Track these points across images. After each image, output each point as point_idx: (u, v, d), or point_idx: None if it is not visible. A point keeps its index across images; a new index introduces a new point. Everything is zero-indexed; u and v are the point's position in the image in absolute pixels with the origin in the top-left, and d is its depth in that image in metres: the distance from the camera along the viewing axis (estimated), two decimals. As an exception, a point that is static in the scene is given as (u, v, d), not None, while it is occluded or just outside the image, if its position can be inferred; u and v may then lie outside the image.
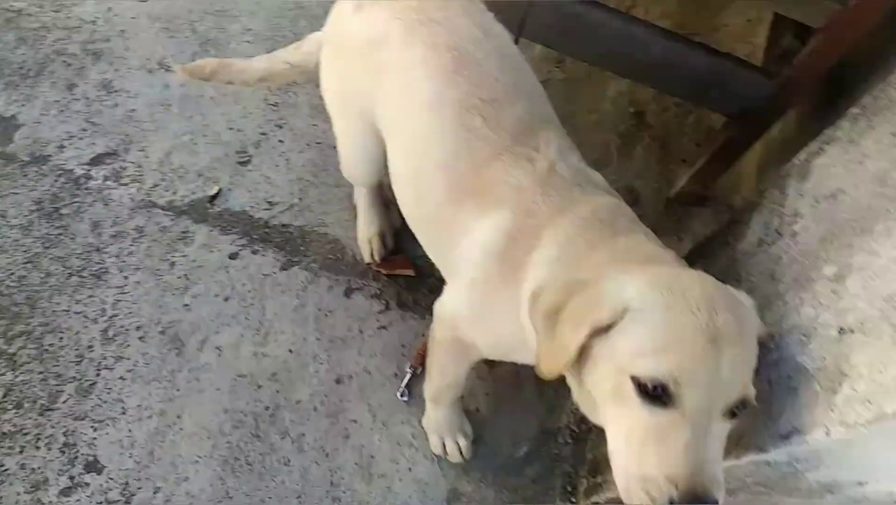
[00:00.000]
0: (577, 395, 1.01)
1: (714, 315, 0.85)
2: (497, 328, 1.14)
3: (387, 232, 1.66)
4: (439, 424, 1.47)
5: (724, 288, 0.92)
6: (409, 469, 1.49)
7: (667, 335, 0.85)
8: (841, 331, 0.87)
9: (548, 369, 0.93)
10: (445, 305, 1.22)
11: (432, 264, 1.32)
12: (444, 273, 1.27)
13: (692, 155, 1.84)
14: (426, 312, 1.58)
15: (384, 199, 1.63)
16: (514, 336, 1.07)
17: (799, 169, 1.09)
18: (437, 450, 1.49)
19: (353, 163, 1.47)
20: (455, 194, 1.12)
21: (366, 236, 1.65)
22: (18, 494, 1.36)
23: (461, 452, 1.49)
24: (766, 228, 1.13)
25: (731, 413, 0.85)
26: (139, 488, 1.39)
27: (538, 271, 1.03)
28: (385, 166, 1.35)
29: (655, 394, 0.84)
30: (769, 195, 1.15)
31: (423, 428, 1.51)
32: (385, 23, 1.18)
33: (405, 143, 1.22)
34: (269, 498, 1.42)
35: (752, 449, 0.96)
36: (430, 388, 1.42)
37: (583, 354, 0.90)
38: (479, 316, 1.17)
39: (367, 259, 1.65)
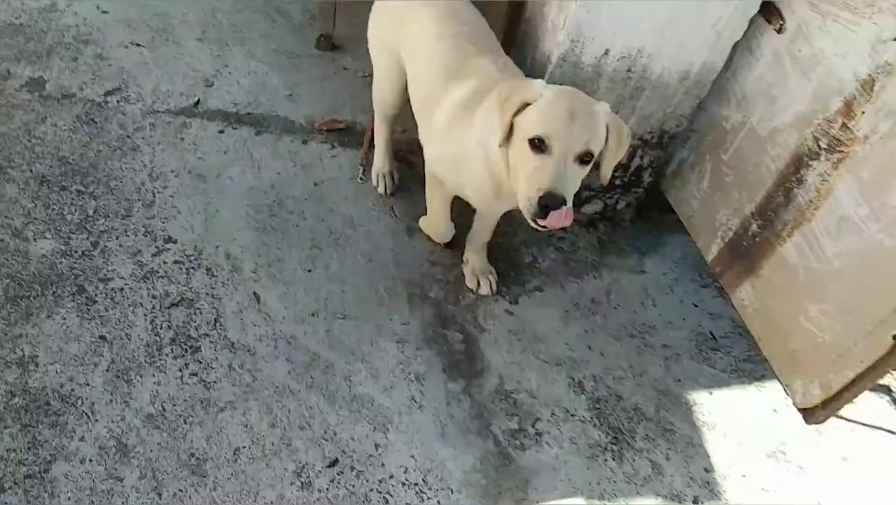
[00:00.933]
0: (505, 174, 1.69)
1: (575, 104, 1.57)
2: (458, 160, 1.82)
3: (394, 171, 2.34)
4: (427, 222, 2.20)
5: (586, 96, 1.64)
6: (378, 220, 2.28)
7: (548, 113, 1.55)
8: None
9: (500, 137, 1.62)
10: (428, 151, 1.94)
11: (362, 124, 2.22)
12: (427, 137, 1.95)
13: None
14: (358, 146, 2.44)
15: (395, 146, 2.37)
16: (468, 162, 1.77)
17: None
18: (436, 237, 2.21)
19: (385, 90, 2.16)
20: (447, 79, 1.84)
21: (381, 171, 2.31)
22: (124, 260, 1.97)
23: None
24: None
25: (582, 160, 1.56)
26: (205, 248, 2.06)
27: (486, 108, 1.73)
28: (404, 100, 2.10)
29: (538, 145, 1.54)
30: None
31: (378, 194, 2.32)
32: None
33: (421, 59, 1.94)
34: (289, 244, 2.13)
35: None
36: (426, 219, 2.19)
37: (510, 136, 1.60)
38: (446, 150, 1.85)
39: (380, 191, 2.31)
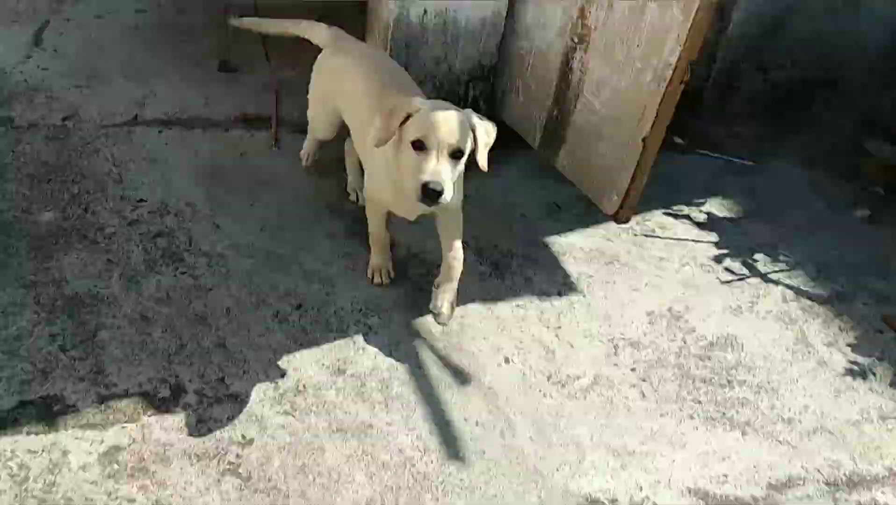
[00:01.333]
0: (394, 173, 2.14)
1: (446, 112, 1.99)
2: (374, 176, 2.33)
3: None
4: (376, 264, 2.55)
5: (454, 106, 2.06)
6: (294, 172, 3.03)
7: (424, 121, 1.97)
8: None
9: (381, 139, 2.03)
10: (367, 186, 2.43)
11: (267, 113, 3.02)
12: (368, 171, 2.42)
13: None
14: (267, 128, 3.21)
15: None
16: (379, 173, 2.24)
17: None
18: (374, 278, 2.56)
19: (319, 128, 2.75)
20: (372, 115, 2.18)
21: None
22: (111, 216, 2.63)
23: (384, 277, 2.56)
24: None
25: (453, 156, 1.98)
26: (169, 201, 2.74)
27: None
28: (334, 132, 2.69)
29: (418, 145, 1.96)
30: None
31: (298, 157, 3.08)
32: (344, 60, 2.52)
33: (354, 106, 2.41)
34: (232, 191, 2.85)
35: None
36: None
37: (397, 142, 2.04)
38: (371, 175, 2.37)
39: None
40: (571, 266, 2.83)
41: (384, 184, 2.26)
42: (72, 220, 2.58)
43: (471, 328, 2.50)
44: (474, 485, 2.03)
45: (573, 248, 2.92)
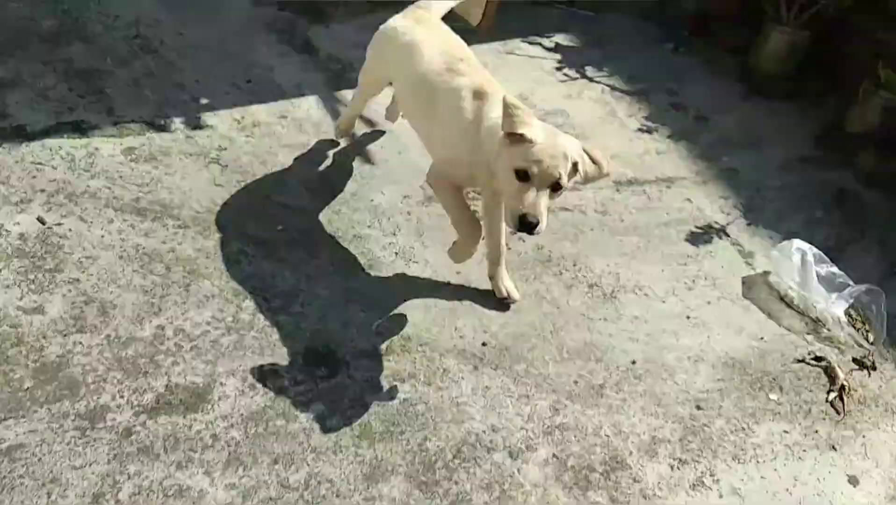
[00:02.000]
0: (490, 200, 2.41)
1: (555, 148, 2.03)
2: (456, 144, 2.33)
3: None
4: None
5: (564, 138, 2.12)
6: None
7: (535, 154, 2.00)
8: None
9: (503, 125, 2.05)
10: (434, 157, 2.48)
11: None
12: (430, 144, 2.54)
13: None
14: None
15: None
16: (462, 142, 2.29)
17: None
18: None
19: (369, 89, 2.91)
20: (443, 79, 2.41)
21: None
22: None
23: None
24: None
25: (553, 189, 2.04)
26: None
27: None
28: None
29: (522, 176, 2.01)
30: None
31: None
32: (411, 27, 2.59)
33: (415, 74, 2.48)
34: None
35: None
36: (454, 245, 2.45)
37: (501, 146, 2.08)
38: (447, 137, 2.39)
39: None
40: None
41: (462, 158, 2.30)
42: (67, 26, 3.39)
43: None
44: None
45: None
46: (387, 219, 2.84)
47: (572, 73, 4.08)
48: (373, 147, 3.19)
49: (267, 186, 2.85)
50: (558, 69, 4.09)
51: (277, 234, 2.65)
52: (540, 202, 2.01)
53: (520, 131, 2.02)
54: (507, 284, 2.57)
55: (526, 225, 2.00)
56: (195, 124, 3.03)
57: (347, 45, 3.61)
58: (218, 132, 3.03)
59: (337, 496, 1.97)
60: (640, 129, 3.75)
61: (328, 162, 3.05)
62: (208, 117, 3.08)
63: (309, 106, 3.31)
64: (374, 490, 2.00)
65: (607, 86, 4.03)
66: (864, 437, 2.47)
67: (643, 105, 3.93)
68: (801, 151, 3.81)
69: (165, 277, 2.40)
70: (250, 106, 3.21)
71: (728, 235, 3.18)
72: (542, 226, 2.02)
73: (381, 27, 2.71)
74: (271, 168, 2.93)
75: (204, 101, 3.16)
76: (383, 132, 3.26)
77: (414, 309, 2.52)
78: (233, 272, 2.47)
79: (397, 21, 2.66)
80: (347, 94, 3.42)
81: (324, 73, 3.54)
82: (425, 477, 2.06)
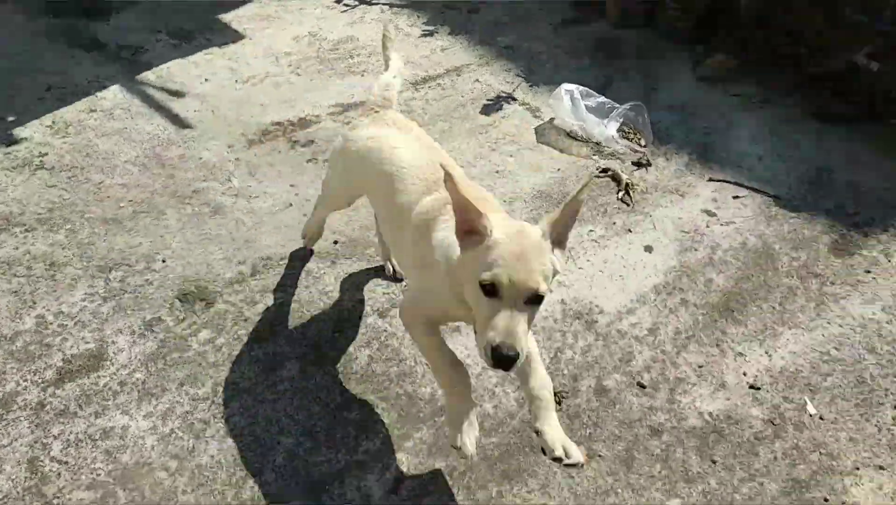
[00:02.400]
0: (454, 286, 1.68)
1: (524, 249, 1.52)
2: (424, 275, 1.87)
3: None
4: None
5: (533, 235, 1.57)
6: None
7: (500, 260, 1.51)
8: None
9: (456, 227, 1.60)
10: (412, 301, 1.94)
11: None
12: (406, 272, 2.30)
13: None
14: None
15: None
16: (434, 274, 1.78)
17: None
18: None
19: (337, 204, 2.54)
20: (412, 199, 1.94)
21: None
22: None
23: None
24: None
25: (531, 301, 1.52)
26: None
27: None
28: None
29: (488, 290, 1.52)
30: None
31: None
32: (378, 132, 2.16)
33: (387, 195, 2.04)
34: None
35: None
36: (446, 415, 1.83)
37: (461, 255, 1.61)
38: (415, 268, 1.95)
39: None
40: (236, 25, 4.09)
41: (444, 296, 1.77)
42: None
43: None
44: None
45: (239, 16, 4.18)
46: (218, 170, 3.11)
47: (352, 2, 4.42)
48: (187, 113, 3.42)
49: (98, 173, 3.04)
50: (338, 2, 4.42)
51: (121, 211, 2.87)
52: (516, 326, 1.51)
53: (476, 220, 1.58)
54: (563, 440, 1.74)
55: (501, 361, 1.50)
56: (9, 141, 3.14)
57: (132, 31, 3.77)
58: (34, 141, 3.16)
59: (245, 392, 2.30)
60: (423, 35, 4.17)
61: (149, 140, 3.26)
62: (20, 131, 3.20)
63: (113, 95, 3.48)
64: (274, 377, 2.35)
65: (385, 5, 4.41)
66: (650, 216, 3.07)
67: (420, 13, 4.36)
68: (562, 17, 4.38)
69: (28, 275, 2.59)
70: (58, 110, 3.34)
71: (515, 100, 3.69)
72: (522, 359, 1.52)
73: (345, 134, 2.31)
74: (96, 158, 3.11)
75: (11, 118, 3.26)
76: (184, 94, 3.50)
77: (266, 234, 2.84)
78: (91, 253, 2.69)
79: (363, 130, 2.24)
80: (148, 75, 3.60)
81: (117, 63, 3.69)
82: (314, 355, 2.43)
